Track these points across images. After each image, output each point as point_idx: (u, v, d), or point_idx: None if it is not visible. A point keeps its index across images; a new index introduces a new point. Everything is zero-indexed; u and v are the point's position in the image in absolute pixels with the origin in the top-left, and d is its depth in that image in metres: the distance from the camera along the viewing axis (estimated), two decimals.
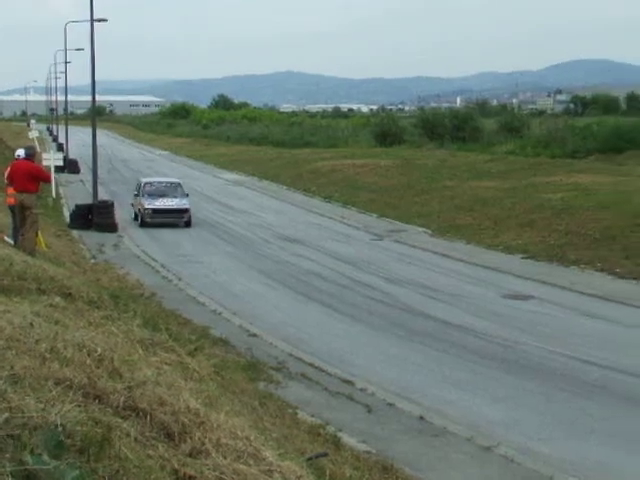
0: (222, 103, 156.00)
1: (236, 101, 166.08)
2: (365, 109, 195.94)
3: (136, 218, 37.03)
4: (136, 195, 37.57)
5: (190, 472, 4.19)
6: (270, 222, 37.18)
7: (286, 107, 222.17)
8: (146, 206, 35.96)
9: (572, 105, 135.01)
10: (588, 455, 12.57)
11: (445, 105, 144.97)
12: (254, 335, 19.09)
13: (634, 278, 24.13)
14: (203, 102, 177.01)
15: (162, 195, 36.80)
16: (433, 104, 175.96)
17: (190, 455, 4.51)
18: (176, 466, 4.23)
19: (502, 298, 22.99)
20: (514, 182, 39.08)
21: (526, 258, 27.76)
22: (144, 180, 39.32)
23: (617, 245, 26.67)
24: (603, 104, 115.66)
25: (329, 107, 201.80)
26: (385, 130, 67.16)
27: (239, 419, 5.86)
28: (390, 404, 14.79)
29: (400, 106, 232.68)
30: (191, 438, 4.72)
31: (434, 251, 29.79)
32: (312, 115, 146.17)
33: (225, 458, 4.52)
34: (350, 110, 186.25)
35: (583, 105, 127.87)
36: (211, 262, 27.98)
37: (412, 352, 18.15)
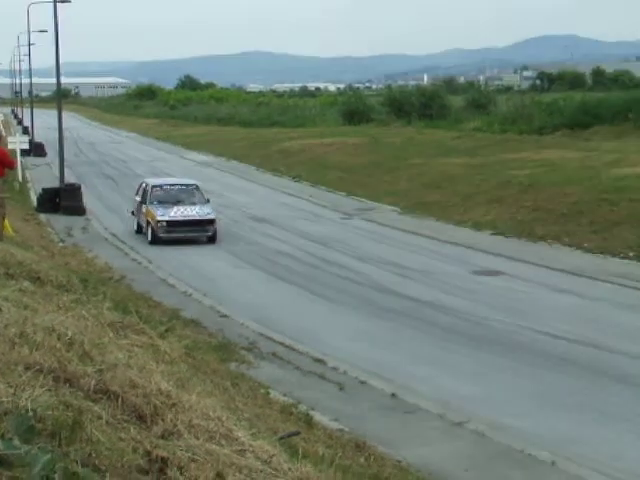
0: (189, 84, 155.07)
1: (203, 82, 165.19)
2: (332, 88, 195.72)
3: (139, 231, 29.57)
4: (141, 202, 29.23)
5: (162, 454, 4.20)
6: (239, 202, 37.09)
7: (253, 87, 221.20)
8: (159, 217, 27.80)
9: (538, 81, 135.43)
10: (558, 428, 12.70)
11: (412, 83, 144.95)
12: (225, 316, 19.11)
13: (601, 252, 24.32)
14: (169, 83, 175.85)
15: (176, 202, 28.75)
16: (400, 82, 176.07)
17: (162, 437, 4.51)
18: (148, 448, 4.23)
19: (472, 274, 23.11)
20: (482, 159, 39.20)
21: (495, 234, 27.89)
22: (151, 182, 30.50)
23: (584, 220, 26.84)
24: (569, 80, 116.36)
25: (296, 86, 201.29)
26: (353, 109, 67.13)
27: (211, 400, 5.87)
28: (362, 382, 14.87)
29: (367, 84, 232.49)
30: (163, 420, 4.72)
31: (403, 229, 29.86)
32: (279, 95, 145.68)
33: (197, 439, 4.54)
34: (317, 89, 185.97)
35: (549, 81, 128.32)
36: (179, 244, 27.89)
37: (383, 330, 18.23)
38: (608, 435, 12.46)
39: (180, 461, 4.18)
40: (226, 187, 42.02)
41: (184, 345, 10.61)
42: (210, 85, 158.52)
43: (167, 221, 27.84)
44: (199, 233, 28.28)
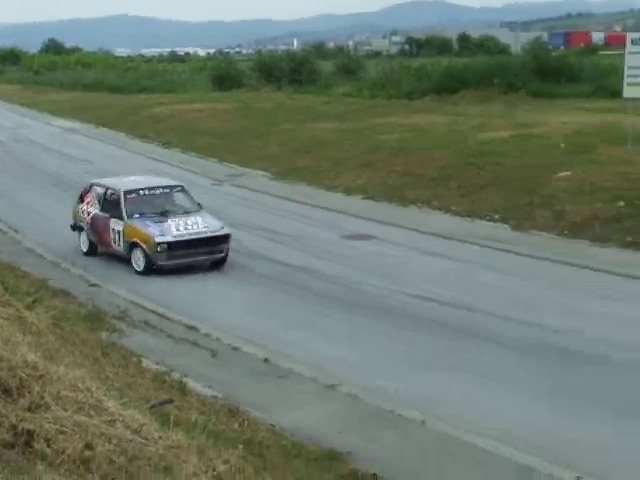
0: (53, 48, 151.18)
1: (68, 46, 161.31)
2: (202, 53, 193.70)
3: (92, 252, 21.75)
4: (109, 217, 21.01)
5: (29, 427, 4.11)
6: (108, 170, 36.42)
7: (121, 52, 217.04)
8: (158, 239, 19.67)
9: (407, 46, 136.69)
10: (430, 389, 12.95)
11: (282, 48, 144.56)
12: (95, 285, 18.86)
13: (469, 216, 24.78)
14: (34, 47, 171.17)
15: (165, 212, 20.74)
16: (270, 47, 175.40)
17: (29, 409, 4.42)
18: (14, 421, 4.14)
19: (343, 239, 23.28)
20: (351, 124, 39.40)
21: (366, 199, 28.11)
22: (118, 187, 21.68)
23: (453, 184, 27.28)
24: (437, 45, 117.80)
25: (165, 51, 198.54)
26: (223, 74, 66.52)
27: (80, 371, 5.79)
28: (235, 348, 14.89)
29: (237, 49, 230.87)
30: (30, 392, 4.62)
31: (274, 194, 29.84)
32: (148, 60, 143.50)
33: (65, 411, 4.46)
34: (187, 54, 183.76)
35: (418, 46, 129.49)
36: (48, 213, 27.27)
37: (256, 296, 18.26)
38: (479, 395, 12.76)
39: (47, 433, 4.10)
40: (95, 154, 41.23)
41: (52, 316, 10.44)
42: (76, 49, 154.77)
43: (170, 243, 19.78)
44: (210, 255, 20.37)
